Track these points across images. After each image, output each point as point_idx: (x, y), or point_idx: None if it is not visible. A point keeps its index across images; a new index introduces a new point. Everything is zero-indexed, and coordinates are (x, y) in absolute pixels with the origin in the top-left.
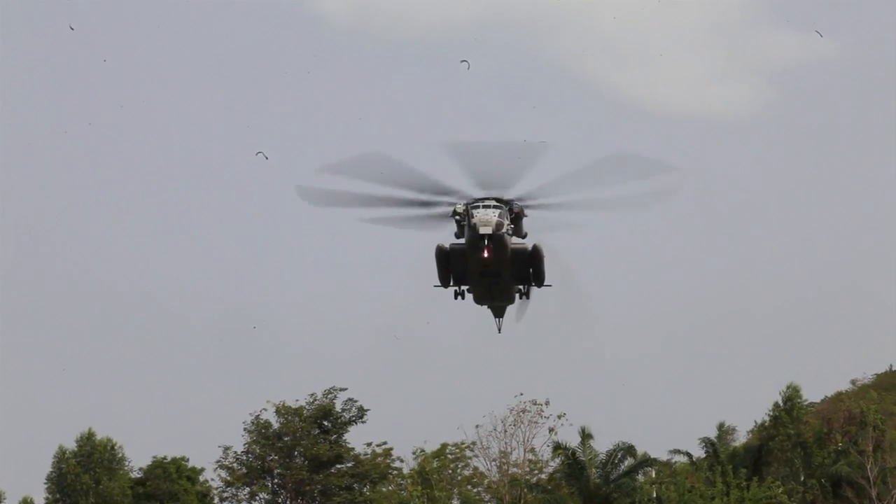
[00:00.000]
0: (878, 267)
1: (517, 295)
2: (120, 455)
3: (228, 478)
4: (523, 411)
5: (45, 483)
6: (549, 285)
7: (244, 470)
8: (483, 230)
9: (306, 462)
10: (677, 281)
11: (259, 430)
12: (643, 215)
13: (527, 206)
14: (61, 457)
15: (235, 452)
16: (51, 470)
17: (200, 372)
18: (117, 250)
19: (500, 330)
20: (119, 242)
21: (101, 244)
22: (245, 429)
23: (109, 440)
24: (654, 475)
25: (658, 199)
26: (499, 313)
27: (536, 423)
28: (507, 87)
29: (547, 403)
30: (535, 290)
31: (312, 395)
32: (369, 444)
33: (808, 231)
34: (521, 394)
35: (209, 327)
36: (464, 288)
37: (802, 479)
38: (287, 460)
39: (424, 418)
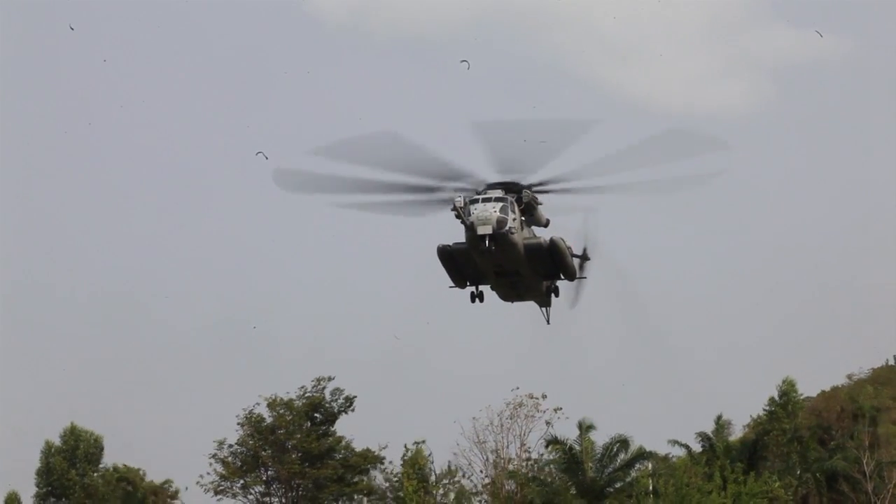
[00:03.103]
0: (875, 262)
1: (547, 292)
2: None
3: (224, 471)
4: (520, 405)
5: (35, 478)
6: (584, 277)
7: (239, 463)
8: (482, 230)
9: (299, 455)
10: (673, 275)
11: (252, 425)
12: (644, 207)
13: (543, 192)
14: (48, 451)
15: (230, 446)
16: (39, 465)
17: (196, 368)
18: (117, 249)
19: (548, 321)
20: (118, 241)
21: (100, 243)
22: (238, 423)
23: (92, 434)
24: (650, 467)
25: (700, 181)
26: (544, 303)
27: (533, 416)
28: (506, 85)
29: (544, 397)
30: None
31: (302, 388)
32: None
33: (806, 227)
34: (518, 388)
35: (205, 323)
36: (482, 288)
37: (798, 473)
38: (280, 454)
39: (422, 412)
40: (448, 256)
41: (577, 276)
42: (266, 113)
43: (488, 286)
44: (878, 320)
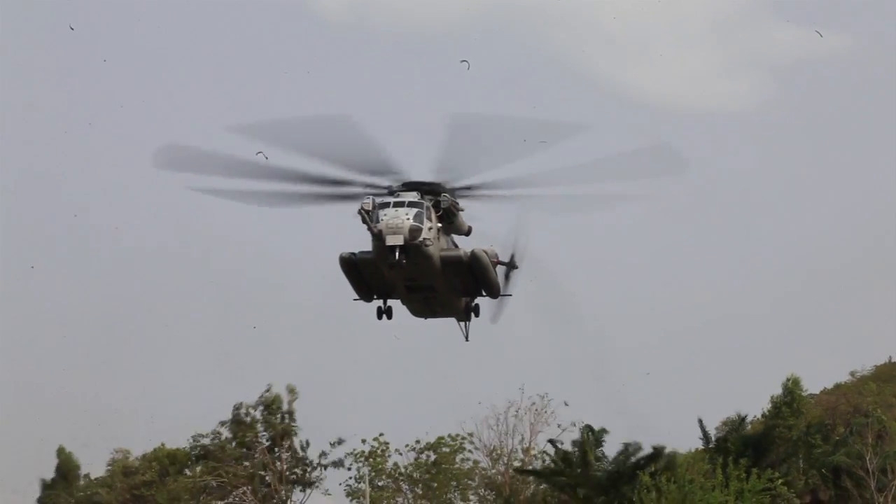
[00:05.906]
0: (878, 258)
1: (466, 310)
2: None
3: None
4: (531, 405)
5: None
6: (509, 295)
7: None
8: (391, 240)
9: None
10: (678, 273)
11: None
12: (638, 207)
13: (465, 194)
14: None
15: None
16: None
17: (194, 367)
18: (116, 251)
19: (467, 337)
20: (118, 242)
21: (100, 244)
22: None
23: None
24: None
25: (655, 192)
26: (462, 318)
27: (542, 417)
28: (508, 82)
29: (546, 394)
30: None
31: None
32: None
33: (808, 224)
34: (522, 389)
35: (204, 322)
36: (391, 303)
37: (802, 469)
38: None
39: (416, 416)
40: (351, 267)
41: (501, 293)
42: (266, 113)
43: (398, 300)
44: (881, 317)
